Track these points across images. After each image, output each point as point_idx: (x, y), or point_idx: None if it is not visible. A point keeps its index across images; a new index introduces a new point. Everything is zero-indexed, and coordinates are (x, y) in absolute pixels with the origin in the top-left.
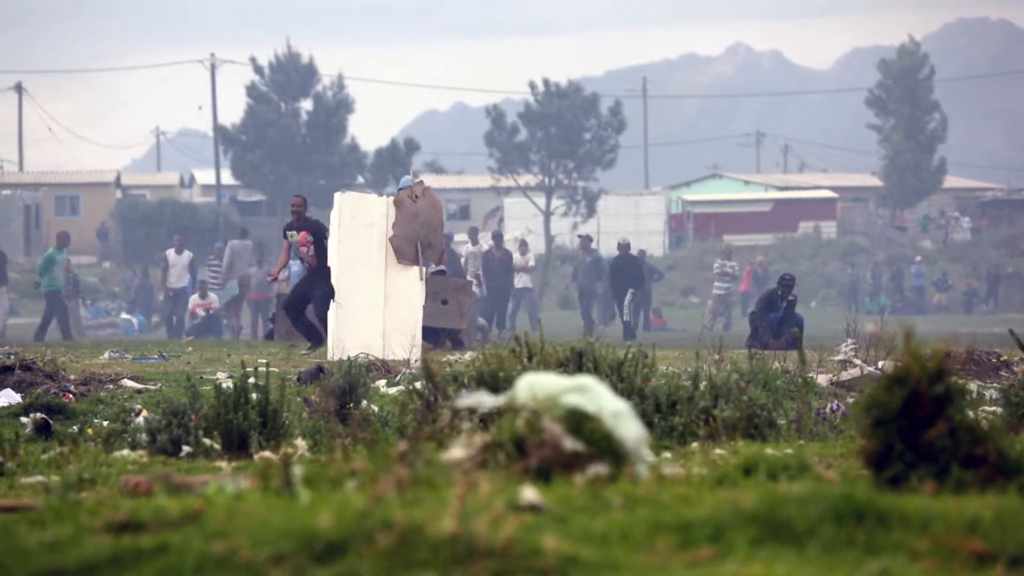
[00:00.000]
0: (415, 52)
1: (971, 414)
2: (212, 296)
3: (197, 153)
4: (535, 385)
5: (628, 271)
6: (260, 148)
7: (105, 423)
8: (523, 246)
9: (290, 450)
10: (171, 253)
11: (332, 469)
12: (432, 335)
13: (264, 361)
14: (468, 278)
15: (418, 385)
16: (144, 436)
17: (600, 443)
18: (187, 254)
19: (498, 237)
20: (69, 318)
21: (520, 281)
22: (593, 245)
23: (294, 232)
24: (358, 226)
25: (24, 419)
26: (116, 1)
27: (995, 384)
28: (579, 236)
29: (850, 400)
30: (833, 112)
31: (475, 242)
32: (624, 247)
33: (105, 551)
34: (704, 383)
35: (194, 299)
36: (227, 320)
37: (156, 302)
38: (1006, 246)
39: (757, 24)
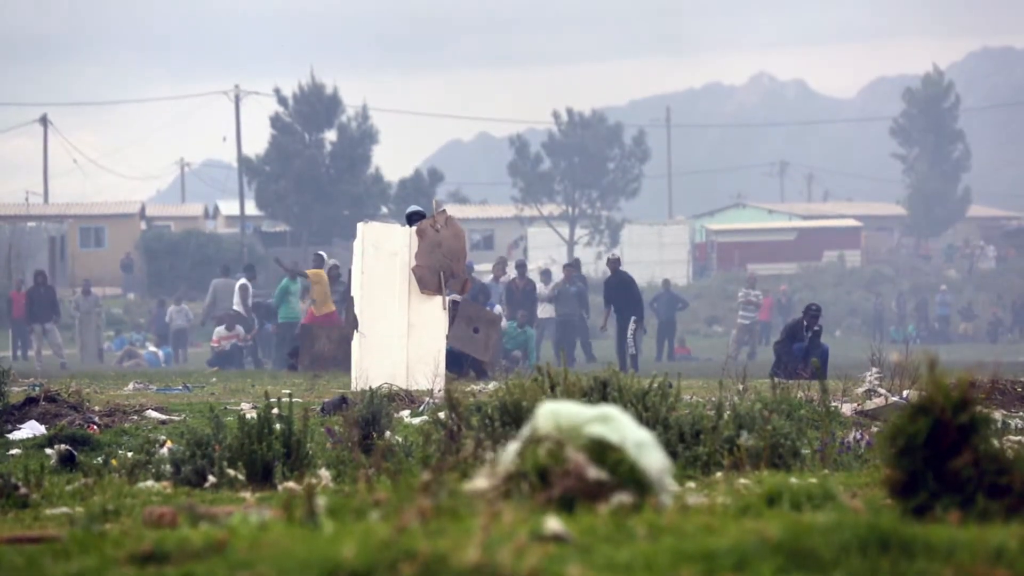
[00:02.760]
0: (439, 82)
1: (996, 443)
2: (239, 328)
3: (221, 184)
4: (559, 414)
5: (622, 291)
6: (284, 179)
7: (129, 454)
8: (546, 275)
9: (314, 480)
10: (218, 283)
11: (356, 500)
12: (456, 365)
13: (288, 392)
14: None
15: (441, 415)
16: (168, 467)
17: (624, 473)
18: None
19: (521, 267)
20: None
21: (544, 311)
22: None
23: None
24: (381, 256)
25: (49, 450)
26: (140, 33)
27: (1020, 413)
28: (565, 265)
29: (875, 429)
30: (857, 141)
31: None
32: (614, 263)
33: None
34: (728, 413)
35: (219, 331)
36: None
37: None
38: None
39: (781, 53)
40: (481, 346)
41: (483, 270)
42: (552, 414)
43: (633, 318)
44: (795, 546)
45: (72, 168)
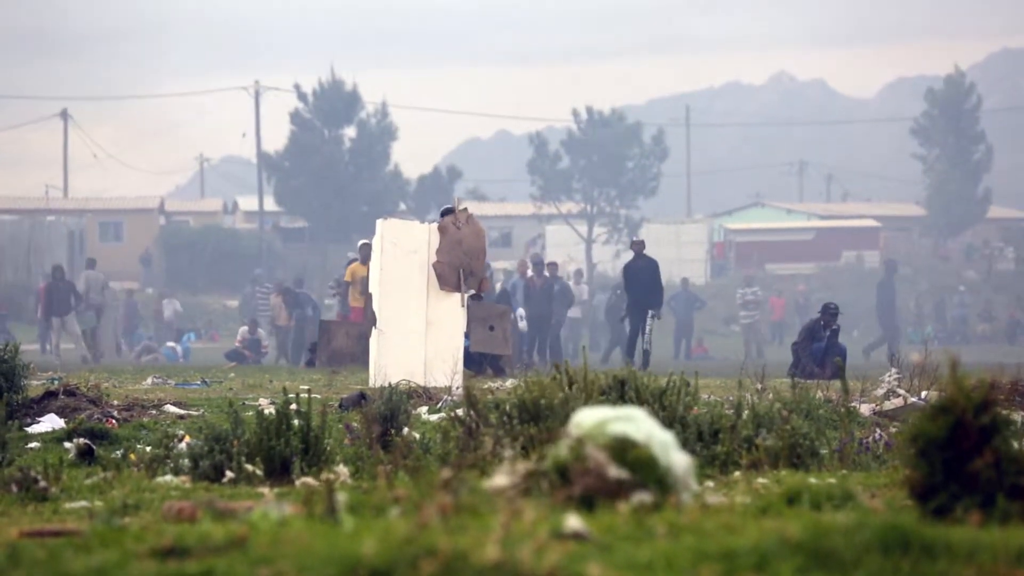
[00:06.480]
0: (458, 79)
1: (1016, 445)
2: (260, 332)
3: (240, 180)
4: (584, 415)
5: (645, 277)
6: (303, 175)
7: (148, 449)
8: (578, 276)
9: (332, 476)
10: (89, 274)
11: (375, 496)
12: (474, 362)
13: (306, 387)
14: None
15: (460, 412)
16: (187, 462)
17: (645, 471)
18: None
19: (539, 264)
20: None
21: (572, 312)
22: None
23: None
24: (400, 253)
25: (68, 444)
26: (160, 27)
27: None
28: (549, 263)
29: (893, 430)
30: (877, 141)
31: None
32: (638, 245)
33: None
34: (747, 412)
35: (243, 331)
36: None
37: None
38: None
39: (801, 53)
40: (501, 341)
41: (499, 267)
42: (579, 417)
43: (651, 312)
44: (816, 546)
45: (92, 163)
